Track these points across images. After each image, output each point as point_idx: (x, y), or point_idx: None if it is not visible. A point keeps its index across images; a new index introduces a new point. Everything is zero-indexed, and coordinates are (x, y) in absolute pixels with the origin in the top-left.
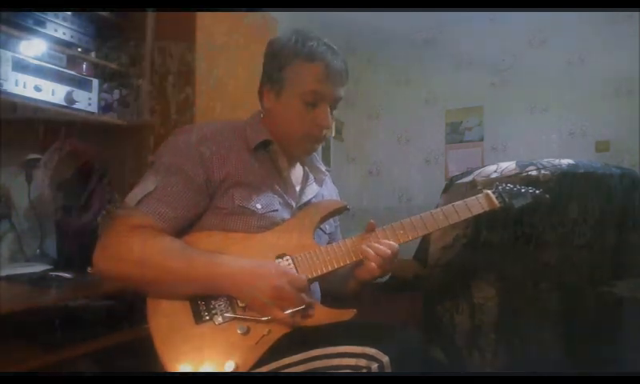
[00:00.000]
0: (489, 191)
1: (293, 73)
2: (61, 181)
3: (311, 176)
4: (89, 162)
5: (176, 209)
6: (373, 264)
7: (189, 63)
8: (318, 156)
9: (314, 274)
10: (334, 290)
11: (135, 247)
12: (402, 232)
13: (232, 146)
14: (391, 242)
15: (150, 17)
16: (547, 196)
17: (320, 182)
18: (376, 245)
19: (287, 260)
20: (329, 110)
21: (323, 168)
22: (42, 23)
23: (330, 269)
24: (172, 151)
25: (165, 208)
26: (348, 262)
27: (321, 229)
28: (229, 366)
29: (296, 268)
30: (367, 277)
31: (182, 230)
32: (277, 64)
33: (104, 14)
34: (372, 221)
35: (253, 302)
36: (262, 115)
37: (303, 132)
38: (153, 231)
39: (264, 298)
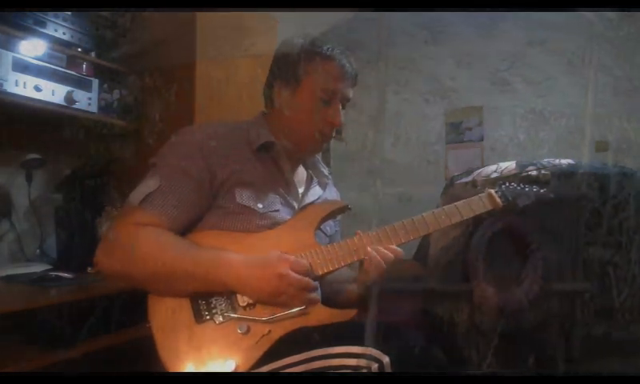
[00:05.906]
0: (492, 190)
1: (311, 70)
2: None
3: (315, 179)
4: None
5: (179, 207)
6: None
7: (189, 63)
8: (320, 159)
9: (316, 274)
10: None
11: (139, 244)
12: (403, 232)
13: (234, 146)
14: (396, 248)
15: (150, 17)
16: (551, 195)
17: (323, 186)
18: (383, 250)
19: None
20: (341, 108)
21: (326, 172)
22: (42, 23)
23: (331, 268)
24: (175, 151)
25: (168, 206)
26: (349, 262)
27: (322, 230)
28: (229, 366)
29: None
30: (365, 279)
31: (184, 229)
32: (293, 61)
33: (104, 13)
34: (358, 232)
35: (259, 294)
36: (264, 116)
37: (315, 129)
38: (156, 229)
39: (269, 288)
